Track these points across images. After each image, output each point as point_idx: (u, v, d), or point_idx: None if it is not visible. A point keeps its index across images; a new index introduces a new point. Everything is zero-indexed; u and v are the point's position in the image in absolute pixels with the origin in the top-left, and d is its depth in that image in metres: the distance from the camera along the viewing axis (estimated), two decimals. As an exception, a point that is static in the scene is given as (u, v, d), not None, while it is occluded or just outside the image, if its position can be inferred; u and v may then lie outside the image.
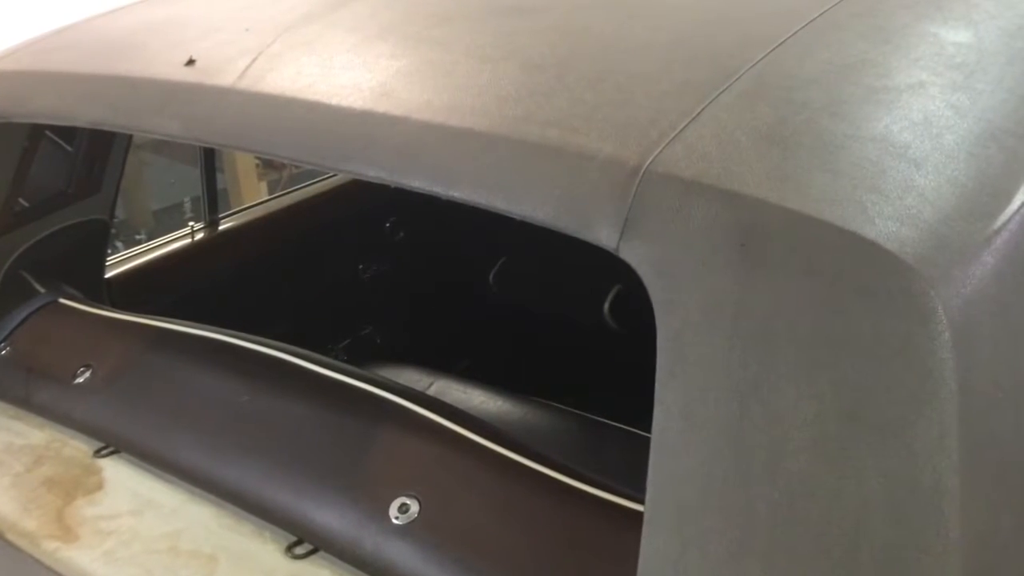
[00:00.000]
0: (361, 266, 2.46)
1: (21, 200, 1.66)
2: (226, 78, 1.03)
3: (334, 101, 0.93)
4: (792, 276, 0.68)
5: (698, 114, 0.79)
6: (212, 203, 2.15)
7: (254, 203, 2.30)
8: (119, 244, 4.41)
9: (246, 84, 1.01)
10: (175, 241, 2.09)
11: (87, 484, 1.15)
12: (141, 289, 2.01)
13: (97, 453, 1.20)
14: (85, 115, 1.13)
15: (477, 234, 2.40)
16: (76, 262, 1.81)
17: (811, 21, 0.93)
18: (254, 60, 1.06)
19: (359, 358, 2.50)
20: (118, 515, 1.09)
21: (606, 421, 1.87)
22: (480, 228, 2.27)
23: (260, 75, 1.03)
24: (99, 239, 1.86)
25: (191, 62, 1.09)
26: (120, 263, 1.97)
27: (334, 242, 2.37)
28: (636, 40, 0.95)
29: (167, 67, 1.10)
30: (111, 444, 1.20)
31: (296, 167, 4.45)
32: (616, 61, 0.91)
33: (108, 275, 1.93)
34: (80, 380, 1.28)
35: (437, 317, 2.53)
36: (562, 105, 0.84)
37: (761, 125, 0.78)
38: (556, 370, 2.30)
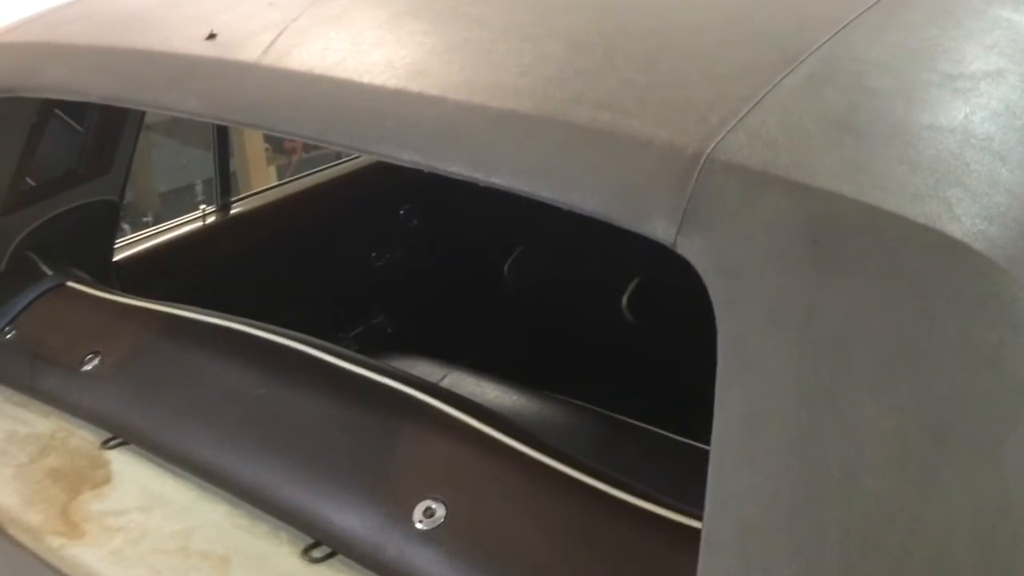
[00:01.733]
0: (374, 253, 2.41)
1: (28, 179, 1.61)
2: (249, 53, 0.98)
3: (366, 79, 0.87)
4: (870, 277, 0.62)
5: (761, 99, 0.73)
6: (224, 186, 2.09)
7: (266, 187, 2.24)
8: (125, 227, 4.37)
9: (271, 60, 0.96)
10: (185, 225, 2.04)
11: (94, 477, 1.10)
12: (149, 273, 1.95)
13: (105, 444, 1.15)
14: (98, 89, 1.07)
15: (493, 223, 2.34)
16: (84, 244, 1.76)
17: (877, 2, 0.87)
18: (279, 35, 1.00)
19: (370, 347, 2.45)
20: (126, 511, 1.04)
21: (623, 418, 1.82)
22: (496, 217, 2.21)
23: (285, 51, 0.97)
24: (108, 220, 1.81)
25: (212, 36, 1.04)
26: (129, 246, 1.92)
27: (347, 228, 2.32)
28: (690, 19, 0.89)
29: (186, 41, 1.04)
30: (119, 435, 1.15)
31: (306, 152, 4.40)
32: (669, 41, 0.85)
33: (116, 258, 1.88)
34: (88, 367, 1.23)
35: (451, 307, 2.47)
36: (612, 86, 0.78)
37: (831, 112, 0.72)
38: (571, 364, 2.25)
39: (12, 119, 1.48)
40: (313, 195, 2.28)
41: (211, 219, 2.05)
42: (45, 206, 1.66)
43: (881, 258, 0.62)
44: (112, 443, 1.15)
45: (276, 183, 2.29)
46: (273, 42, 0.99)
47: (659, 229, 0.68)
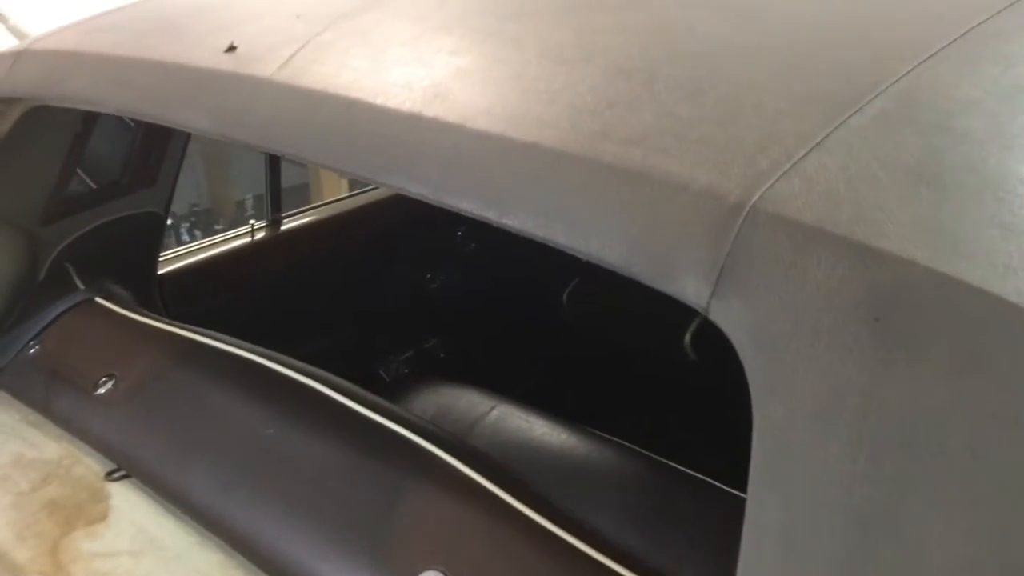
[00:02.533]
0: (429, 275, 2.33)
1: (70, 189, 1.58)
2: (265, 68, 0.90)
3: (379, 100, 0.79)
4: (944, 368, 0.50)
5: (823, 139, 0.62)
6: (275, 200, 2.04)
7: (318, 204, 2.18)
8: (197, 233, 4.40)
9: (285, 76, 0.88)
10: (234, 239, 1.99)
11: (91, 513, 1.03)
12: (195, 288, 1.91)
13: (109, 475, 1.09)
14: (113, 101, 1.01)
15: (553, 250, 2.24)
16: (126, 257, 1.72)
17: (972, 28, 0.74)
18: (300, 49, 0.92)
19: (421, 371, 2.37)
20: (117, 554, 0.97)
21: (679, 468, 1.69)
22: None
23: (303, 66, 0.89)
24: (152, 233, 1.77)
25: (231, 48, 0.97)
26: (175, 259, 1.88)
27: (402, 248, 2.25)
28: (746, 44, 0.78)
29: (205, 53, 0.97)
30: (123, 467, 1.08)
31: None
32: (720, 68, 0.74)
33: (162, 271, 1.84)
34: (102, 391, 1.17)
35: (505, 334, 2.38)
36: (649, 119, 0.67)
37: (907, 158, 0.60)
38: (627, 402, 2.13)
39: (55, 127, 1.44)
40: (369, 212, 2.21)
41: (260, 234, 2.01)
42: (87, 217, 1.62)
43: (959, 344, 0.50)
44: (116, 475, 1.08)
45: (330, 200, 2.23)
46: (292, 57, 0.91)
47: (689, 289, 0.57)
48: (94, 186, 1.66)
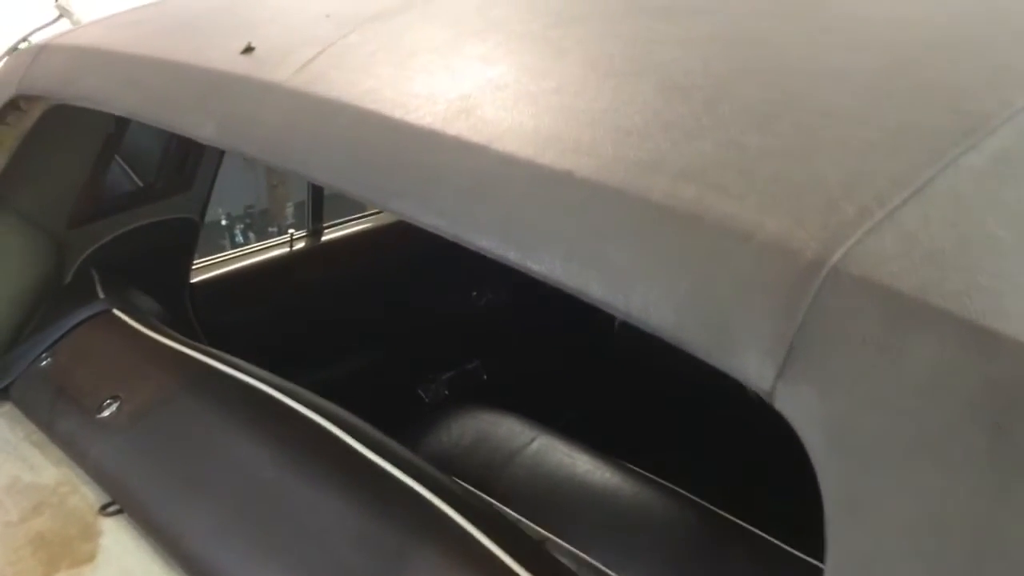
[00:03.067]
0: (475, 293, 2.23)
1: (103, 190, 1.51)
2: (280, 71, 0.81)
3: (396, 113, 0.68)
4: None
5: (924, 184, 0.49)
6: (316, 209, 1.96)
7: (361, 215, 2.10)
8: (251, 235, 4.37)
9: (300, 81, 0.78)
10: (272, 249, 1.92)
11: (78, 552, 0.94)
12: (228, 297, 1.84)
13: (103, 509, 1.00)
14: (121, 103, 0.93)
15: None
16: (157, 264, 1.65)
17: (1112, 51, 0.61)
18: (321, 52, 0.82)
19: (461, 393, 2.27)
20: (98, 602, 0.88)
21: (733, 519, 1.55)
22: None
23: (321, 71, 0.79)
24: (186, 240, 1.70)
25: (249, 50, 0.87)
26: (209, 267, 1.81)
27: (447, 264, 2.15)
28: (829, 62, 0.65)
29: (220, 54, 0.88)
30: (118, 500, 1.00)
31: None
32: (797, 90, 0.62)
33: (195, 280, 1.77)
34: (105, 413, 1.09)
35: (551, 359, 2.26)
36: (708, 149, 0.56)
37: (1035, 212, 0.48)
38: (680, 442, 1.99)
39: (83, 126, 1.37)
40: (413, 226, 2.12)
41: (299, 244, 1.93)
42: (118, 221, 1.56)
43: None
44: (110, 509, 1.00)
45: (374, 211, 2.13)
46: (311, 60, 0.81)
47: (749, 366, 0.46)
48: (140, 184, 1.59)
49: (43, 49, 1.14)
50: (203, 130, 0.81)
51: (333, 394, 1.92)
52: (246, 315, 1.84)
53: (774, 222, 0.49)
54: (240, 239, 4.27)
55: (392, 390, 2.16)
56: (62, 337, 1.29)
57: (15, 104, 1.18)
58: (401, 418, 1.96)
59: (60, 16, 3.54)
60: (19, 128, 1.22)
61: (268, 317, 1.87)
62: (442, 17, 0.89)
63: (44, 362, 1.26)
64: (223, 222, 4.23)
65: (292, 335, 1.90)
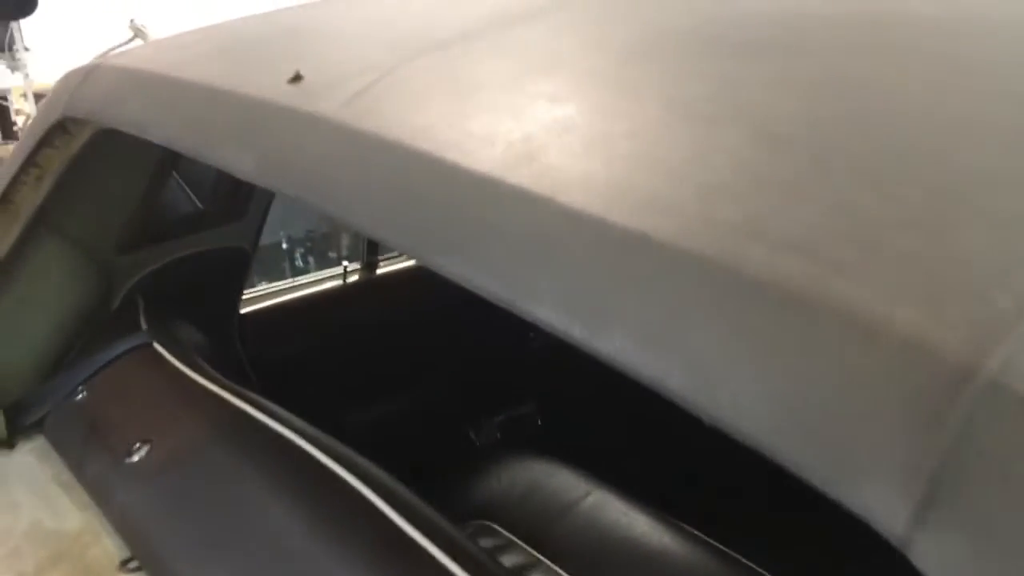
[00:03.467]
0: (532, 334, 2.14)
1: (154, 215, 1.47)
2: (326, 103, 0.73)
3: (449, 155, 0.60)
4: None
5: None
6: (372, 242, 1.90)
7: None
8: (311, 259, 4.36)
9: (347, 115, 0.71)
10: (325, 280, 1.86)
11: (91, 612, 0.88)
12: (278, 330, 1.78)
13: (123, 565, 0.93)
14: (160, 130, 0.87)
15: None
16: (206, 293, 1.60)
17: None
18: (373, 82, 0.75)
19: (514, 437, 2.18)
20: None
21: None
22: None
23: (371, 104, 0.72)
24: (237, 270, 1.64)
25: (297, 78, 0.80)
26: (259, 298, 1.76)
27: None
28: (960, 111, 0.55)
29: (266, 81, 0.81)
30: (138, 556, 0.93)
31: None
32: (923, 143, 0.52)
33: (245, 310, 1.72)
34: (134, 458, 1.02)
35: (611, 406, 2.16)
36: (816, 213, 0.46)
37: None
38: (749, 510, 1.86)
39: (134, 149, 1.33)
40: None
41: (353, 277, 1.86)
42: (167, 248, 1.51)
43: None
44: (130, 565, 0.93)
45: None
46: (363, 91, 0.74)
47: (872, 501, 0.36)
48: (200, 206, 1.55)
49: (93, 70, 1.09)
50: (241, 164, 0.74)
51: (381, 431, 1.85)
52: (295, 348, 1.78)
53: (906, 312, 0.39)
54: (300, 263, 4.26)
55: (442, 430, 2.08)
56: (100, 370, 1.23)
57: (62, 126, 1.13)
58: (450, 459, 1.88)
59: (134, 37, 3.58)
60: (67, 151, 1.17)
61: (318, 351, 1.81)
62: (505, 49, 0.81)
63: (80, 396, 1.21)
64: (284, 245, 4.22)
65: (341, 370, 1.83)
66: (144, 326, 1.32)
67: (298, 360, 1.76)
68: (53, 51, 3.58)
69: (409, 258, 1.98)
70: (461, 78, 0.75)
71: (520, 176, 0.56)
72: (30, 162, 1.16)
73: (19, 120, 3.52)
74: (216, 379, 1.15)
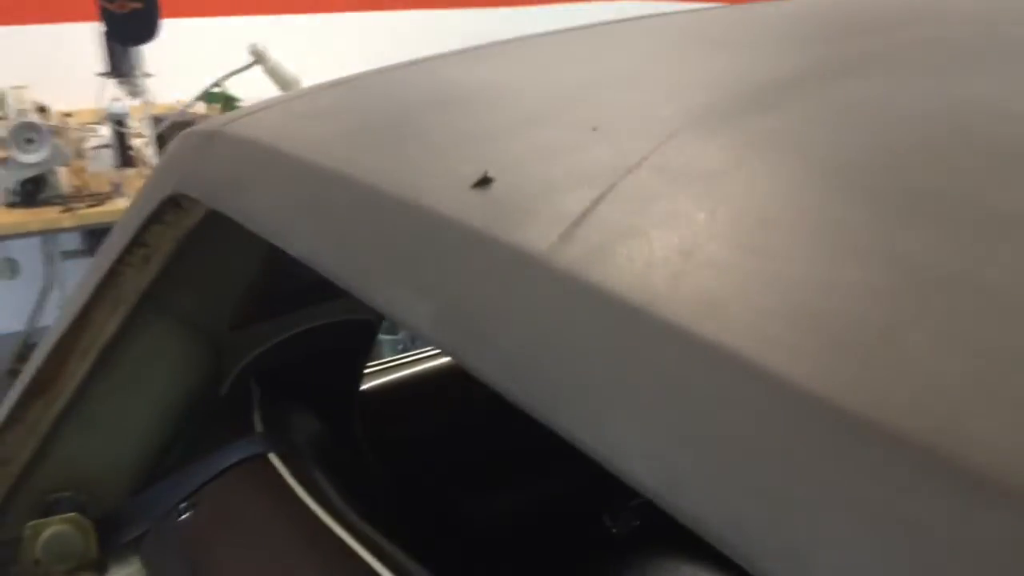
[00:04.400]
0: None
1: (273, 287, 1.28)
2: (536, 231, 0.51)
3: (708, 332, 0.37)
4: None
5: None
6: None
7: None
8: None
9: (568, 256, 0.48)
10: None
11: None
12: (402, 409, 1.58)
13: None
14: (297, 242, 0.66)
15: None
16: (327, 371, 1.42)
17: None
18: (595, 203, 0.52)
19: (653, 524, 1.94)
20: None
21: None
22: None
23: (601, 239, 0.49)
24: (360, 344, 1.45)
25: (484, 182, 0.58)
26: (380, 373, 1.56)
27: None
28: None
29: (441, 183, 0.59)
30: None
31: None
32: None
33: (364, 386, 1.53)
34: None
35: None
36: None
37: None
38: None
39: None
40: None
41: (485, 350, 1.65)
42: (285, 322, 1.33)
43: None
44: None
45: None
46: (585, 216, 0.51)
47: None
48: (294, 287, 1.36)
49: (212, 137, 0.90)
50: (414, 316, 0.52)
51: (511, 520, 1.63)
52: (418, 428, 1.57)
53: None
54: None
55: (575, 516, 1.86)
56: (207, 483, 1.04)
57: (175, 201, 0.95)
58: (585, 547, 1.66)
59: (255, 62, 3.47)
60: (178, 228, 0.99)
61: (445, 431, 1.60)
62: (777, 141, 0.58)
63: (184, 515, 1.02)
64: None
65: (467, 452, 1.63)
66: (258, 425, 1.13)
67: (424, 443, 1.56)
68: (174, 75, 3.51)
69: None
70: (713, 189, 0.52)
71: (820, 383, 0.32)
72: (137, 241, 0.98)
73: (137, 142, 3.45)
74: (338, 512, 0.94)
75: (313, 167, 0.68)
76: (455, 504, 1.55)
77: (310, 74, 3.75)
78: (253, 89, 3.60)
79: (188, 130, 1.00)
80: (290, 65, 3.45)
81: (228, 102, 3.48)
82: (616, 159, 0.57)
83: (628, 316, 0.43)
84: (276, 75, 3.43)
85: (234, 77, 3.41)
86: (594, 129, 0.64)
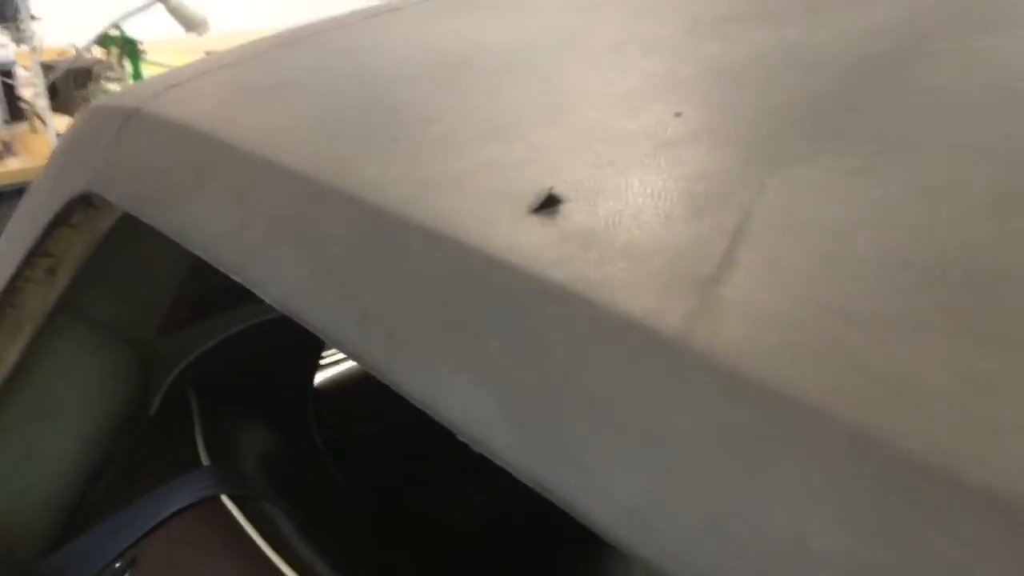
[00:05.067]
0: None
1: (209, 283, 1.09)
2: (653, 296, 0.34)
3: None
4: None
5: None
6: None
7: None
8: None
9: (699, 338, 0.32)
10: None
11: None
12: (362, 404, 1.41)
13: None
14: (266, 284, 0.48)
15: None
16: (274, 372, 1.23)
17: None
18: (730, 250, 0.36)
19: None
20: None
21: None
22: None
23: (736, 301, 0.33)
24: (311, 340, 1.26)
25: (550, 202, 0.41)
26: (337, 366, 1.39)
27: None
28: None
29: (480, 204, 0.42)
30: None
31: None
32: None
33: (321, 380, 1.35)
34: None
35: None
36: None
37: None
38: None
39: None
40: None
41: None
42: (221, 321, 1.14)
43: None
44: None
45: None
46: (721, 275, 0.35)
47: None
48: (230, 283, 1.17)
49: (132, 119, 0.70)
50: (465, 410, 0.35)
51: (484, 519, 1.49)
52: (383, 426, 1.41)
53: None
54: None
55: (551, 511, 1.74)
56: (149, 533, 0.86)
57: (86, 200, 0.75)
58: (558, 545, 1.54)
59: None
60: (91, 231, 0.79)
61: (410, 425, 1.44)
62: (906, 179, 0.42)
63: (121, 574, 0.84)
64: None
65: (438, 451, 1.48)
66: (203, 454, 0.95)
67: (382, 440, 1.40)
68: (64, 17, 3.18)
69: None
70: (843, 237, 0.36)
71: None
72: (38, 250, 0.78)
73: (26, 93, 3.12)
74: (304, 566, 0.78)
75: (287, 173, 0.50)
76: (426, 502, 1.40)
77: (218, 15, 3.43)
78: (154, 30, 3.27)
79: (99, 104, 0.79)
80: (196, 2, 3.15)
81: (128, 46, 3.16)
82: (731, 195, 0.41)
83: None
84: (180, 14, 3.13)
85: (133, 17, 3.10)
86: (677, 115, 0.47)
